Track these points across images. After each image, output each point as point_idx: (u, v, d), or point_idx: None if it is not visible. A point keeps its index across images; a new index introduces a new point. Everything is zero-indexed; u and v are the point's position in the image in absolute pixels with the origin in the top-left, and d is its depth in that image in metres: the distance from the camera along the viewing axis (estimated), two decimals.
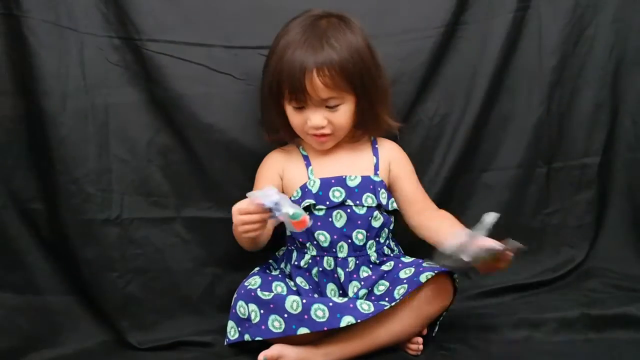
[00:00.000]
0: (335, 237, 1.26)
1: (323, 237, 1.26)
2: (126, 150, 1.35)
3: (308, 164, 1.30)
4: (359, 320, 1.12)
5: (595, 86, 1.52)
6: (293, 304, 1.13)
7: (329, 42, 1.20)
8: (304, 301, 1.13)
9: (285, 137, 1.32)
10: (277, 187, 1.29)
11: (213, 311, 1.39)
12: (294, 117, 1.26)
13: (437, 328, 1.25)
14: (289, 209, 1.09)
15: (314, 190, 1.26)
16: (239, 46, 1.36)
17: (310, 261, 1.27)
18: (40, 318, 1.31)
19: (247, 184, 1.34)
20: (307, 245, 1.28)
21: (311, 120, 1.23)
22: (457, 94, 1.46)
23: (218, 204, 1.39)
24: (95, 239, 1.33)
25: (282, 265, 1.33)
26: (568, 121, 1.52)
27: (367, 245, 1.27)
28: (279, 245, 1.36)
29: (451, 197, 1.49)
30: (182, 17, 1.35)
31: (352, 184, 1.27)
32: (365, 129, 1.31)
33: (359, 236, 1.26)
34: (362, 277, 1.26)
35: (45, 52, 1.28)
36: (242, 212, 1.11)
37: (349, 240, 1.26)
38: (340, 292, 1.26)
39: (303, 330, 1.12)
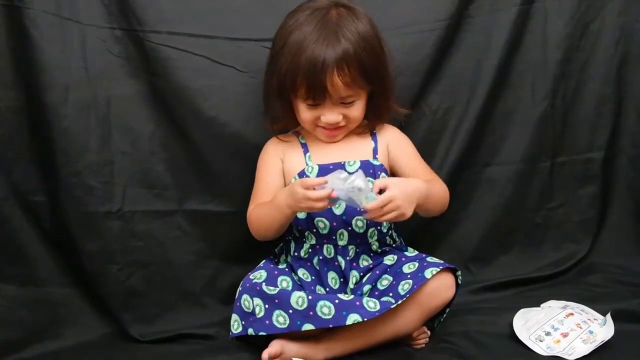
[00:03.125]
0: (334, 224, 1.25)
1: (322, 224, 1.25)
2: (128, 143, 1.34)
3: (306, 151, 1.30)
4: (365, 319, 1.12)
5: (599, 80, 1.51)
6: (298, 299, 1.13)
7: (345, 35, 1.19)
8: (310, 297, 1.13)
9: (289, 127, 1.32)
10: (280, 172, 1.29)
11: (214, 304, 1.40)
12: (306, 113, 1.24)
13: (437, 324, 1.25)
14: (363, 201, 1.11)
15: (312, 176, 1.26)
16: (242, 38, 1.35)
17: (310, 250, 1.27)
18: (41, 310, 1.31)
19: (249, 177, 1.33)
20: (306, 234, 1.27)
21: (327, 116, 1.23)
22: (461, 88, 1.46)
23: (220, 197, 1.38)
24: (97, 231, 1.32)
25: (282, 259, 1.33)
26: (572, 115, 1.52)
27: (369, 233, 1.27)
28: (279, 239, 1.35)
29: (454, 191, 1.47)
30: (185, 8, 1.34)
31: (351, 169, 1.26)
32: (376, 118, 1.30)
33: (358, 223, 1.26)
34: (361, 266, 1.26)
35: (47, 43, 1.28)
36: (309, 188, 1.12)
37: (349, 228, 1.26)
38: (342, 280, 1.26)
39: (308, 327, 1.12)
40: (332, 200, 1.12)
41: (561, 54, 1.48)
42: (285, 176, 1.29)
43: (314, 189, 1.12)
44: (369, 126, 1.32)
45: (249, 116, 1.36)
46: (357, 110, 1.25)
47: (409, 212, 1.14)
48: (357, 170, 1.19)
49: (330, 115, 1.23)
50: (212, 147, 1.36)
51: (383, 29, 1.31)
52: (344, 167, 1.26)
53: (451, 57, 1.45)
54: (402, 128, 1.38)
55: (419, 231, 1.47)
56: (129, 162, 1.35)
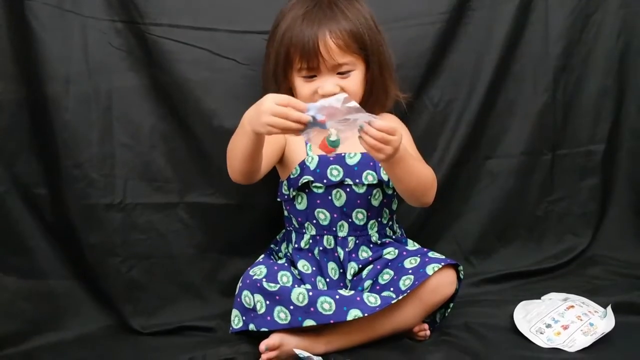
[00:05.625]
0: (335, 215, 1.25)
1: (323, 215, 1.26)
2: (129, 136, 1.34)
3: (307, 141, 1.28)
4: (365, 314, 1.12)
5: (601, 73, 1.52)
6: (299, 296, 1.13)
7: (340, 8, 1.20)
8: (311, 293, 1.13)
9: None
10: (281, 148, 1.27)
11: (215, 296, 1.40)
12: (303, 88, 1.23)
13: (441, 318, 1.26)
14: (333, 134, 1.03)
15: (312, 167, 1.25)
16: (243, 31, 1.35)
17: (310, 241, 1.27)
18: (43, 302, 1.31)
19: None
20: (306, 225, 1.27)
21: (323, 87, 1.21)
22: (462, 81, 1.46)
23: (221, 190, 1.38)
24: (98, 223, 1.33)
25: (283, 247, 1.33)
26: (573, 108, 1.52)
27: (369, 225, 1.27)
28: (279, 228, 1.36)
29: (455, 184, 1.49)
30: (186, 1, 1.34)
31: (351, 161, 1.25)
32: (375, 100, 1.28)
33: (359, 216, 1.26)
34: (360, 258, 1.26)
35: (48, 36, 1.27)
36: (281, 104, 1.03)
37: (349, 220, 1.26)
38: (341, 270, 1.26)
39: (309, 322, 1.12)
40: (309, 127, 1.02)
41: (562, 47, 1.49)
42: (287, 163, 1.29)
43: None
44: (367, 108, 1.29)
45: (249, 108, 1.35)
46: (353, 82, 1.23)
47: (390, 151, 1.07)
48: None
49: (327, 85, 1.21)
50: (213, 140, 1.35)
51: (384, 22, 1.31)
52: (344, 158, 1.26)
53: (452, 49, 1.45)
54: (405, 118, 1.37)
55: (420, 224, 1.47)
56: (130, 155, 1.35)
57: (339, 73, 1.22)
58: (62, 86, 1.29)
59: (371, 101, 1.28)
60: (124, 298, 1.34)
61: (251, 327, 1.16)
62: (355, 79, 1.23)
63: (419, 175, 1.19)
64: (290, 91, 1.25)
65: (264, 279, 1.17)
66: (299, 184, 1.25)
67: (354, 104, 1.04)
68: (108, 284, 1.34)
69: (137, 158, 1.35)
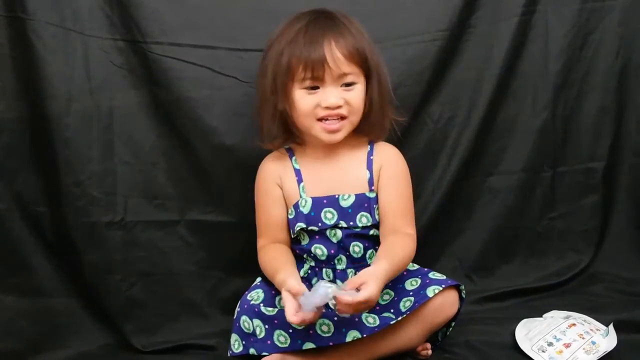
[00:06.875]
0: (332, 251, 1.24)
1: (320, 251, 1.24)
2: (130, 153, 1.35)
3: (300, 180, 1.26)
4: (364, 335, 1.11)
5: (600, 90, 1.52)
6: None
7: (342, 22, 1.19)
8: None
9: (282, 142, 1.27)
10: (280, 198, 1.26)
11: (216, 314, 1.40)
12: (304, 101, 1.18)
13: (442, 336, 1.24)
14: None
15: (306, 210, 1.23)
16: (243, 49, 1.35)
17: (309, 271, 1.26)
18: (43, 321, 1.31)
19: (250, 188, 1.33)
20: (305, 256, 1.27)
21: (327, 100, 1.16)
22: (463, 98, 1.46)
23: (221, 208, 1.39)
24: (99, 241, 1.33)
25: None
26: (573, 125, 1.52)
27: (367, 255, 1.25)
28: None
29: (456, 201, 1.49)
30: (187, 19, 1.35)
31: (345, 203, 1.23)
32: (372, 123, 1.24)
33: (355, 249, 1.24)
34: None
35: (50, 54, 1.28)
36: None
37: (347, 253, 1.24)
38: None
39: (309, 345, 1.11)
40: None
41: (562, 64, 1.49)
42: (286, 202, 1.27)
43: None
44: (364, 132, 1.26)
45: (250, 126, 1.35)
46: (357, 96, 1.19)
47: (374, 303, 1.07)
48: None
49: (331, 97, 1.16)
50: (214, 158, 1.36)
51: (384, 39, 1.32)
52: (338, 200, 1.23)
53: (453, 67, 1.46)
54: (402, 140, 1.36)
55: (421, 241, 1.45)
56: (131, 173, 1.35)
57: (342, 85, 1.19)
58: (63, 104, 1.30)
59: (368, 123, 1.24)
60: (124, 316, 1.33)
61: (251, 351, 1.15)
62: (359, 93, 1.20)
63: (403, 268, 1.19)
64: (287, 112, 1.21)
65: (261, 304, 1.16)
66: (295, 230, 1.24)
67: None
68: (108, 302, 1.34)
69: (137, 175, 1.35)
